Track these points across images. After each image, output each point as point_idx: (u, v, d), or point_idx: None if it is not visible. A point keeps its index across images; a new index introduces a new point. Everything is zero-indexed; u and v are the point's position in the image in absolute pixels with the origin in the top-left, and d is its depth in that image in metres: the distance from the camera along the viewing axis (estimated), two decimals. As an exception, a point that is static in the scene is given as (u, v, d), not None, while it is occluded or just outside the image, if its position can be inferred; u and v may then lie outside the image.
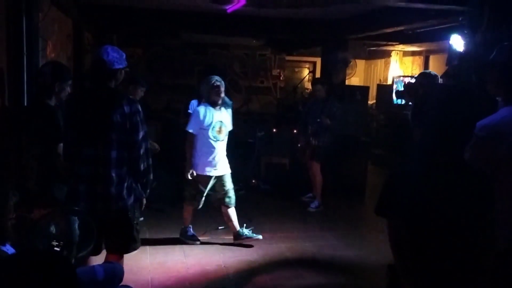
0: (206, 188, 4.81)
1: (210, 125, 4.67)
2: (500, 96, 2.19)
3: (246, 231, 4.95)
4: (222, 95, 4.74)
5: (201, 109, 4.70)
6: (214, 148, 4.71)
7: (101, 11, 6.79)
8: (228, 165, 4.89)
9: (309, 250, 4.91)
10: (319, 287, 4.15)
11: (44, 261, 1.68)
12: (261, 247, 4.93)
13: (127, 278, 3.13)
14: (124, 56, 3.13)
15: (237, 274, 4.29)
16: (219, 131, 4.73)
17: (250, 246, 4.92)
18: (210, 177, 4.77)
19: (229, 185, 4.86)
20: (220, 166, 4.79)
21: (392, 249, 2.03)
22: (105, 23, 7.39)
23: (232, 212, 4.90)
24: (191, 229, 4.99)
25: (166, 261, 4.49)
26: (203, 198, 4.87)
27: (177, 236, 5.02)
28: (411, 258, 1.97)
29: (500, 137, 2.05)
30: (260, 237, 4.95)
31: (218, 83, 4.69)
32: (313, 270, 4.44)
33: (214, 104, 4.71)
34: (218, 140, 4.74)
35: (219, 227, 5.32)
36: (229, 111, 5.01)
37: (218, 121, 4.72)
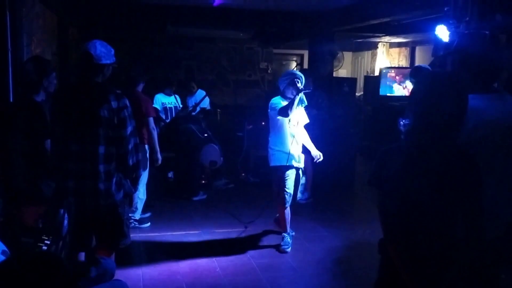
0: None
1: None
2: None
3: (289, 241, 4.73)
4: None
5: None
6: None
7: (86, 5, 6.72)
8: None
9: (300, 242, 4.94)
10: (311, 278, 4.19)
11: (41, 264, 1.65)
12: (252, 241, 4.95)
13: (118, 273, 3.13)
14: (113, 52, 3.11)
15: (228, 267, 4.31)
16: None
17: (241, 241, 4.94)
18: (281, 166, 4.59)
19: (290, 181, 4.61)
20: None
21: (380, 218, 2.15)
22: (90, 18, 7.31)
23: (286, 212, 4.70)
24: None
25: (157, 256, 4.50)
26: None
27: (167, 231, 5.06)
28: (396, 228, 2.09)
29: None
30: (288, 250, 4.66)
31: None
32: (305, 262, 4.47)
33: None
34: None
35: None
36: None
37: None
